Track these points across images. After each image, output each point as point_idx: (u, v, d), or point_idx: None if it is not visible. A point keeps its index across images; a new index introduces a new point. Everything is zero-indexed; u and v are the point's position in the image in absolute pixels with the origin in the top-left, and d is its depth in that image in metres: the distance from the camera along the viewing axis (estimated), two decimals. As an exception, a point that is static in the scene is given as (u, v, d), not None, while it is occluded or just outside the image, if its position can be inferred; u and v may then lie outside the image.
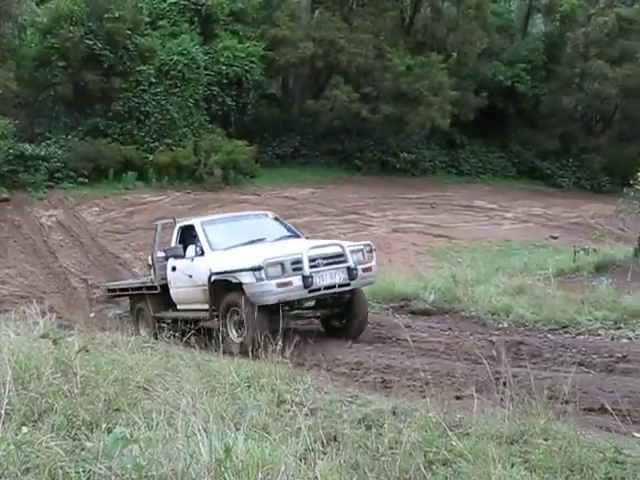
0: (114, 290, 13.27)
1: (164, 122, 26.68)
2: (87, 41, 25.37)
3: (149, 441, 3.79)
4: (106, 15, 25.53)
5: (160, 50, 26.92)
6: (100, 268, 16.63)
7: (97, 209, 22.30)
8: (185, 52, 26.94)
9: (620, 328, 9.19)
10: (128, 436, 3.47)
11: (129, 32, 26.06)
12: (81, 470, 3.52)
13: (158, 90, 26.64)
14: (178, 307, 11.12)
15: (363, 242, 10.67)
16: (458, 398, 6.15)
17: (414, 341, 7.98)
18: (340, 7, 33.98)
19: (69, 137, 25.34)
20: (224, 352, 8.01)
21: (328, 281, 9.57)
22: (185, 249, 10.84)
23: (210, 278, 9.85)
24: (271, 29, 30.30)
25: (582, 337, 9.06)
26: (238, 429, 4.21)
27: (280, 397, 5.36)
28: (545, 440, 4.39)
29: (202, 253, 10.46)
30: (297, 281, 9.33)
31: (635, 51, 36.17)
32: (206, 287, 10.00)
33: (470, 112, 33.76)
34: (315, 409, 4.98)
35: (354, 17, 33.70)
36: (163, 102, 26.67)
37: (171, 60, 26.72)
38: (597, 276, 12.12)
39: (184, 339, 8.09)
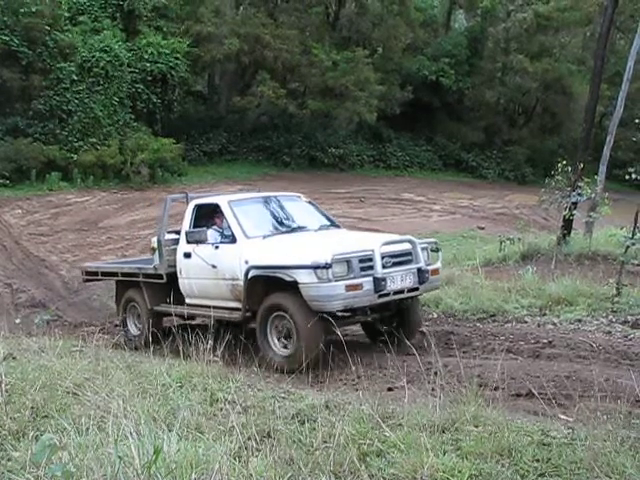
0: (95, 273, 11.24)
1: (88, 121, 26.06)
2: (3, 37, 24.47)
3: (79, 447, 3.71)
4: (22, 9, 24.67)
5: (81, 47, 26.25)
6: (25, 272, 16.13)
7: (20, 211, 21.63)
8: (108, 49, 26.36)
9: (545, 315, 9.44)
10: (57, 443, 3.39)
11: (48, 28, 25.26)
12: (7, 480, 3.42)
13: (80, 88, 26.00)
14: (187, 301, 9.34)
15: (429, 239, 9.23)
16: (390, 390, 6.22)
17: (345, 335, 8.02)
18: (265, 3, 33.94)
19: (-13, 137, 24.54)
20: (271, 365, 7.51)
21: (398, 285, 8.02)
22: None
23: (247, 273, 8.14)
24: (195, 25, 30.00)
25: (510, 325, 9.27)
26: (171, 430, 4.16)
27: (213, 396, 5.31)
28: (476, 427, 4.48)
29: (232, 240, 8.66)
30: (368, 284, 7.69)
31: (553, 46, 37.33)
32: (236, 282, 8.40)
33: (396, 106, 34.24)
34: (248, 406, 4.97)
35: (279, 13, 33.67)
36: (86, 100, 26.04)
37: (93, 57, 26.12)
38: (523, 265, 12.41)
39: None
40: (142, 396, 5.13)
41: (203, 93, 35.76)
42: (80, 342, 8.28)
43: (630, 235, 9.62)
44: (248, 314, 8.36)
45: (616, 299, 9.30)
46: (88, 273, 11.40)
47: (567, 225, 13.45)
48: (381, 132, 35.38)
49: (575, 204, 12.70)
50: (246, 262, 8.23)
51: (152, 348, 8.38)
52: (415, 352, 5.83)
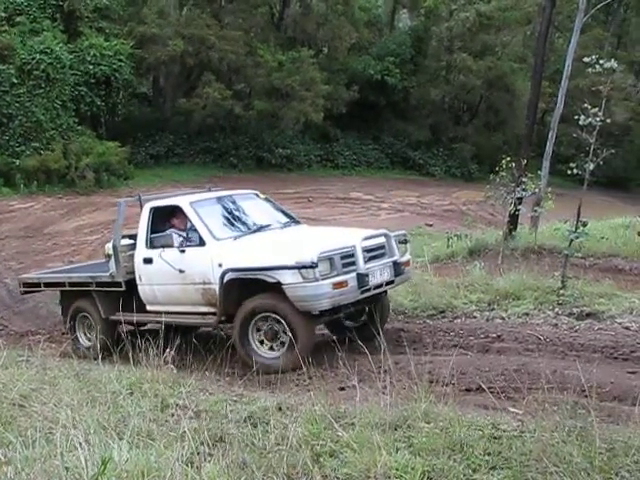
0: (35, 285, 10.55)
1: (29, 125, 25.49)
2: None
3: (25, 460, 3.63)
4: (-45, 10, 24.08)
5: (20, 48, 25.66)
6: (-33, 281, 15.72)
7: (-39, 219, 21.11)
8: (48, 50, 25.83)
9: (494, 309, 9.54)
10: (1, 457, 3.31)
11: (-17, 28, 24.70)
12: (-50, 498, 3.33)
13: (21, 91, 25.43)
14: (149, 308, 8.97)
15: (398, 231, 9.06)
16: (342, 389, 6.21)
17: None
18: (209, 4, 33.70)
19: None
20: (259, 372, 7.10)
21: (378, 279, 8.05)
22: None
23: (223, 276, 7.87)
24: (139, 27, 29.67)
25: (459, 320, 9.35)
26: (121, 438, 4.11)
27: (164, 402, 5.25)
28: (427, 423, 4.51)
29: (200, 243, 8.35)
30: (352, 281, 7.66)
31: (495, 45, 38.00)
32: (208, 286, 8.15)
33: (342, 106, 34.40)
34: (200, 411, 4.93)
35: (224, 14, 33.51)
36: (27, 104, 25.48)
37: (33, 59, 25.55)
38: (470, 260, 12.56)
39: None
40: (91, 405, 5.05)
41: (148, 95, 35.39)
42: (26, 351, 8.08)
43: (573, 228, 9.81)
44: (223, 318, 8.18)
45: (561, 292, 9.46)
46: (27, 285, 10.73)
47: (513, 220, 13.65)
48: (328, 132, 35.48)
49: (520, 199, 12.88)
50: (220, 265, 7.99)
51: (101, 355, 8.23)
52: (366, 351, 5.86)
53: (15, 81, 25.36)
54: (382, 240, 8.39)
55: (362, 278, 7.71)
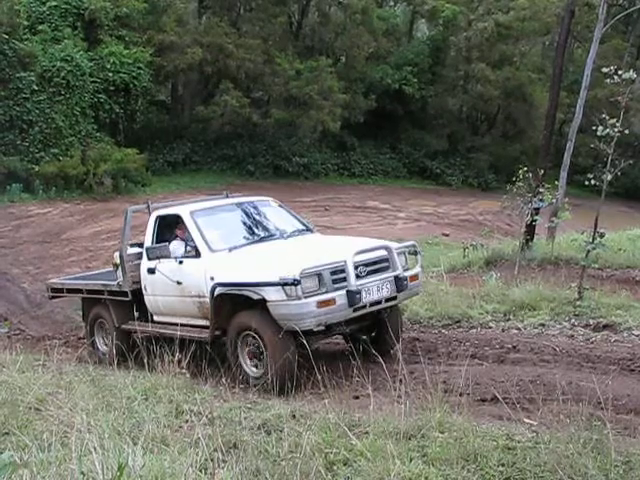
0: (60, 290, 10.69)
1: (49, 131, 25.71)
2: (-41, 45, 24.13)
3: (41, 464, 3.65)
4: (-22, 18, 24.32)
5: (42, 56, 25.91)
6: (-15, 285, 15.84)
7: (-20, 224, 21.28)
8: (69, 58, 26.06)
9: (509, 320, 9.49)
10: (18, 460, 3.33)
11: (6, 36, 24.82)
12: (-34, 500, 3.35)
13: (41, 98, 25.66)
14: (155, 319, 8.83)
15: (407, 242, 8.66)
16: (356, 398, 6.21)
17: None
18: (228, 12, 33.91)
19: (-55, 149, 24.09)
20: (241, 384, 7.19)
21: (375, 296, 7.47)
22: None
23: (213, 291, 7.61)
24: (158, 35, 29.86)
25: (474, 330, 9.31)
26: (136, 443, 4.12)
27: (178, 408, 5.27)
28: (441, 433, 4.50)
29: (196, 254, 8.12)
30: (341, 298, 7.12)
31: (513, 55, 37.93)
32: (203, 299, 7.89)
33: (360, 115, 34.43)
34: (214, 418, 4.93)
35: (242, 22, 33.70)
36: (47, 110, 25.71)
37: (54, 66, 25.79)
38: (487, 271, 12.51)
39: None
40: (106, 410, 5.08)
41: (166, 103, 35.58)
42: (43, 356, 8.14)
43: (590, 240, 9.75)
44: (217, 332, 7.88)
45: (578, 303, 9.40)
46: (54, 289, 10.86)
47: (530, 231, 13.60)
48: (345, 140, 35.52)
49: (537, 210, 12.83)
50: (212, 279, 7.72)
51: (117, 361, 8.28)
52: (381, 360, 5.85)
53: (36, 88, 25.59)
54: (382, 253, 7.82)
55: (353, 295, 7.16)
